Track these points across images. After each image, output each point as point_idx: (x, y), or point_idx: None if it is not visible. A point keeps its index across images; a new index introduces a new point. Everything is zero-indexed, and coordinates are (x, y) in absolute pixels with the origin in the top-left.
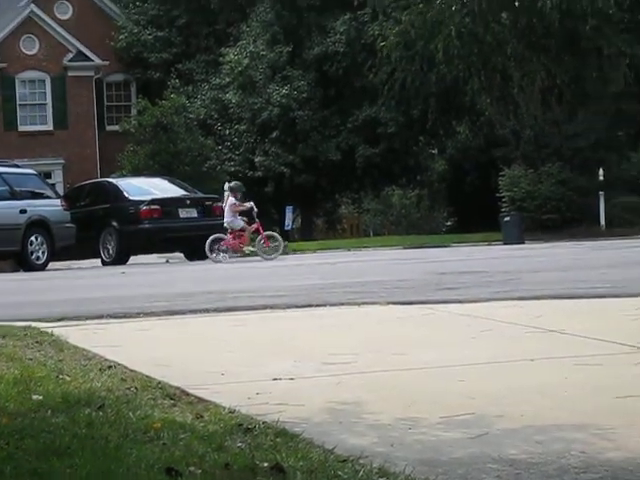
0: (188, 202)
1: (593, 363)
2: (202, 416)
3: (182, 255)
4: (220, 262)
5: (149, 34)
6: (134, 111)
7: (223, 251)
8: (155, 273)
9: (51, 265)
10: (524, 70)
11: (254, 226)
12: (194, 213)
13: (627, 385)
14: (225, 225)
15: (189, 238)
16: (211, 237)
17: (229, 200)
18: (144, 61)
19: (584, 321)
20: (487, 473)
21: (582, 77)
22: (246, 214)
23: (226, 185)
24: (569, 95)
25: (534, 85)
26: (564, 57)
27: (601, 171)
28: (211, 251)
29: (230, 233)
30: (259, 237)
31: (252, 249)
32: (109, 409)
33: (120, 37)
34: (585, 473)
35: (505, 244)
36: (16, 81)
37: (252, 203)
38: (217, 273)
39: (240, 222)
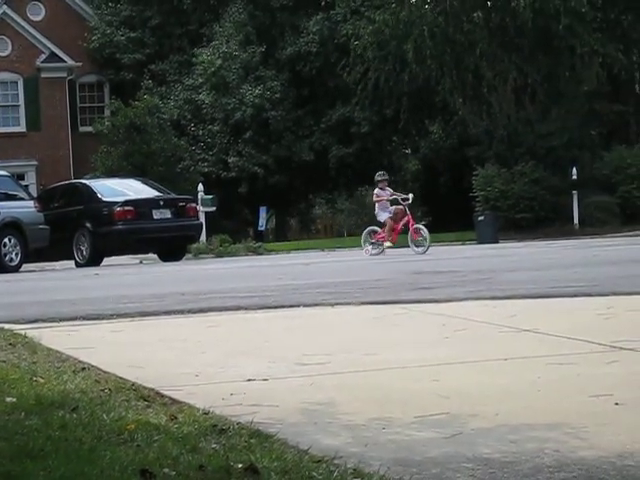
0: (162, 203)
1: (566, 362)
2: (176, 417)
3: (156, 256)
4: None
5: (122, 35)
6: (107, 112)
7: (372, 244)
8: (128, 274)
9: (25, 267)
10: (496, 69)
11: (405, 219)
12: (168, 214)
13: (600, 384)
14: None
15: (163, 239)
16: (366, 230)
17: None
18: (117, 62)
19: (557, 320)
20: (461, 472)
21: (555, 76)
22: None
23: (199, 186)
24: (542, 94)
25: (507, 84)
26: (537, 56)
27: (574, 170)
28: (364, 242)
29: (382, 226)
30: (410, 230)
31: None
32: (83, 411)
33: (93, 38)
34: (559, 472)
35: (479, 243)
36: None
37: (410, 195)
38: (190, 274)
39: (383, 214)
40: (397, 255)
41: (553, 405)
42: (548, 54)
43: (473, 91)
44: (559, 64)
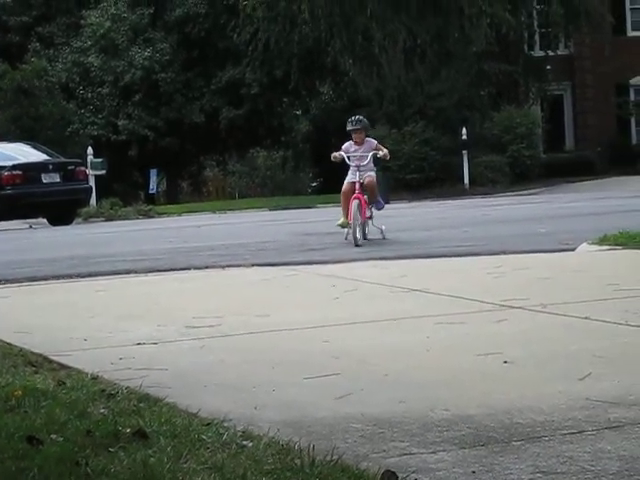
0: (51, 167)
1: (456, 321)
2: (64, 383)
3: (46, 220)
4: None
5: None
6: None
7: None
8: (18, 239)
9: None
10: (386, 30)
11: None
12: (57, 178)
13: (488, 343)
14: None
15: (52, 203)
16: None
17: None
18: (3, 24)
19: (447, 280)
20: (350, 433)
21: (444, 37)
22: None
23: (89, 149)
24: (431, 55)
25: (396, 45)
26: (426, 16)
27: (464, 130)
28: None
29: None
30: None
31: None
32: None
33: None
34: (448, 431)
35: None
36: None
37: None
38: (80, 238)
39: (348, 176)
40: (288, 216)
41: (442, 364)
42: (437, 15)
43: (363, 52)
44: (448, 25)
